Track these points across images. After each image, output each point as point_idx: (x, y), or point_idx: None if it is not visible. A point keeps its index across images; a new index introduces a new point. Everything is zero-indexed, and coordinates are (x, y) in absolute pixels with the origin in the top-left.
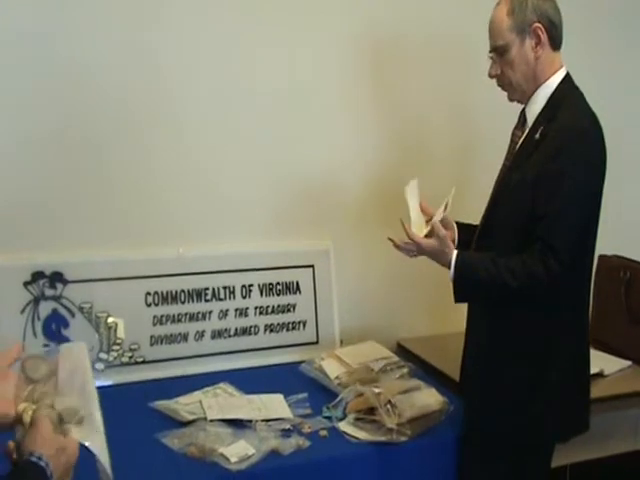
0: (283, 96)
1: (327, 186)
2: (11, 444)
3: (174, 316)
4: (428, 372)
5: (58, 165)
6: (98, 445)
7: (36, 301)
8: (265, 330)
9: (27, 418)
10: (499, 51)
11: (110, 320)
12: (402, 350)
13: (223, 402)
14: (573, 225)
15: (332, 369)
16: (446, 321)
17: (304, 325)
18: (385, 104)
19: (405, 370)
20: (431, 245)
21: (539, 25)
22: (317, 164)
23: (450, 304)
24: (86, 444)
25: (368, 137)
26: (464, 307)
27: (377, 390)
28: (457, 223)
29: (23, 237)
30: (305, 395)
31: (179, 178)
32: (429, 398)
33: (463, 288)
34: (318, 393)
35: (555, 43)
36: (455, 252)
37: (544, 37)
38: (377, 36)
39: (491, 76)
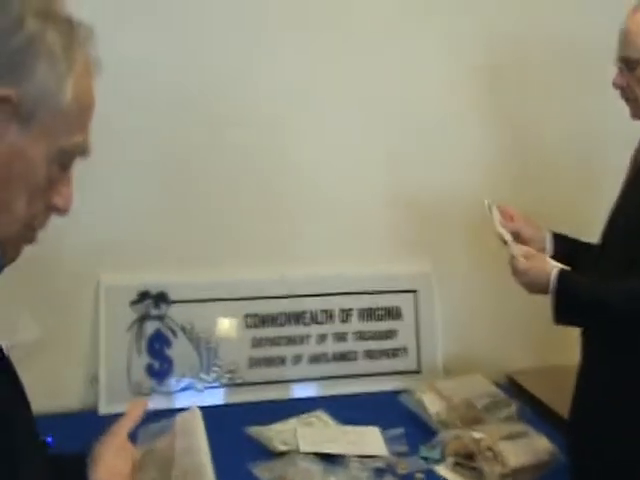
0: (394, 112)
1: (431, 207)
2: None
3: (273, 339)
4: (539, 411)
5: (165, 187)
6: None
7: (141, 320)
8: (364, 356)
9: None
10: (629, 65)
11: (211, 341)
12: (511, 383)
13: (317, 432)
14: None
15: (432, 403)
16: (562, 352)
17: (405, 352)
18: (500, 121)
19: (512, 409)
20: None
21: None
22: (422, 184)
23: (567, 334)
24: None
25: (477, 155)
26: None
27: (478, 435)
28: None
29: (131, 257)
30: (402, 431)
31: (282, 199)
32: (537, 446)
33: (565, 305)
34: (416, 428)
35: None
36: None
37: None
38: (496, 48)
39: (615, 86)
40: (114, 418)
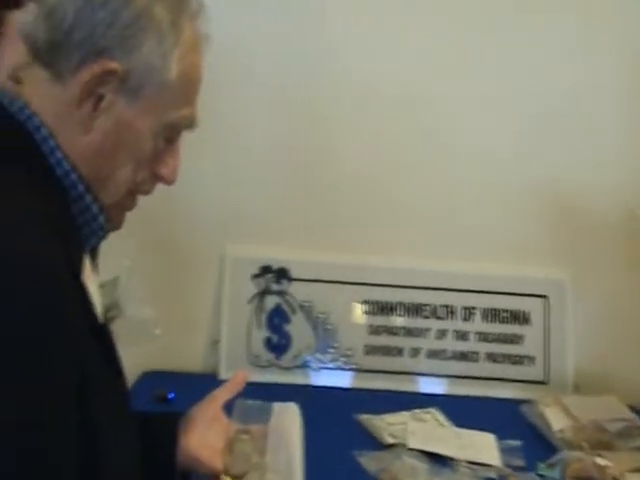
0: (531, 107)
1: (570, 208)
2: None
3: (390, 328)
4: None
5: (296, 168)
6: None
7: (262, 294)
8: (486, 359)
9: None
10: None
11: (329, 322)
12: None
13: (429, 430)
14: None
15: (557, 419)
16: None
17: (531, 361)
18: None
19: None
20: None
21: None
22: (561, 183)
23: None
24: None
25: (621, 155)
26: None
27: (604, 462)
28: None
29: (255, 231)
30: (520, 443)
31: (410, 190)
32: None
33: None
34: (535, 442)
35: None
36: None
37: None
38: None
39: None
40: None
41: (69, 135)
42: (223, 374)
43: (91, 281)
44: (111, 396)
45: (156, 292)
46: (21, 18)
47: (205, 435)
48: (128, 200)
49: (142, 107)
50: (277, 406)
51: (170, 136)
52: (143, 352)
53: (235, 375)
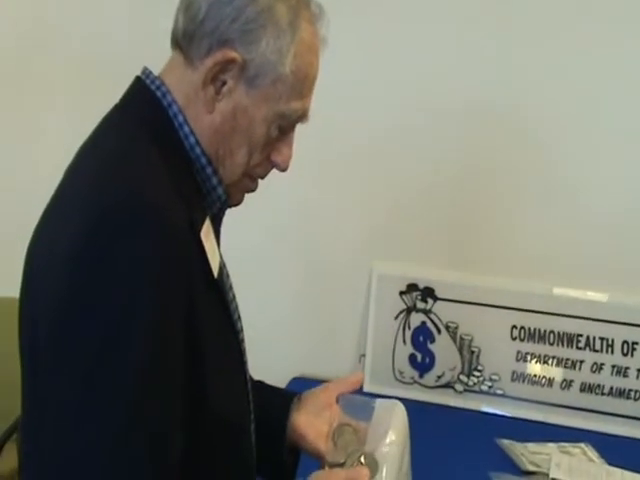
0: None
1: None
2: None
3: (540, 356)
4: None
5: (446, 188)
6: None
7: (408, 311)
8: None
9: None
10: None
11: (474, 345)
12: None
13: (575, 464)
14: None
15: None
16: None
17: None
18: None
19: None
20: None
21: None
22: None
23: None
24: None
25: None
26: None
27: None
28: None
29: (402, 249)
30: None
31: (552, 210)
32: None
33: None
34: None
35: None
36: None
37: None
38: None
39: None
40: (376, 397)
41: (195, 114)
42: (367, 387)
43: (210, 240)
44: (222, 346)
45: (308, 305)
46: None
47: (314, 418)
48: (246, 181)
49: (258, 96)
50: (380, 402)
51: (284, 126)
52: (294, 359)
53: (354, 374)
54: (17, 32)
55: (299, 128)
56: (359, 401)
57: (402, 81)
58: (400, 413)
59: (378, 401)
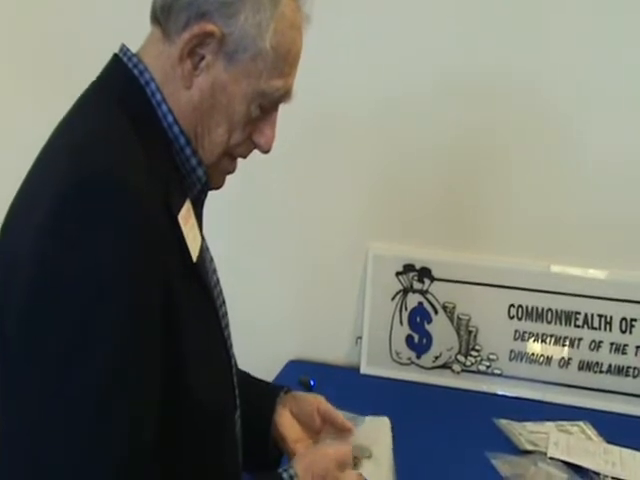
0: None
1: None
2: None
3: (538, 335)
4: None
5: (442, 172)
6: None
7: (405, 292)
8: None
9: None
10: None
11: (471, 325)
12: None
13: (573, 442)
14: None
15: None
16: None
17: None
18: None
19: None
20: None
21: None
22: None
23: None
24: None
25: None
26: None
27: None
28: None
29: (398, 230)
30: None
31: (554, 190)
32: None
33: None
34: None
35: None
36: None
37: None
38: None
39: None
40: (373, 379)
41: (172, 90)
42: (364, 369)
43: (190, 223)
44: (204, 330)
45: (304, 287)
46: None
47: (296, 424)
48: (225, 162)
49: (237, 72)
50: (369, 419)
51: (265, 105)
52: (290, 342)
53: (349, 425)
54: None
55: (291, 107)
56: (348, 417)
57: (401, 56)
58: (387, 427)
59: (367, 418)
